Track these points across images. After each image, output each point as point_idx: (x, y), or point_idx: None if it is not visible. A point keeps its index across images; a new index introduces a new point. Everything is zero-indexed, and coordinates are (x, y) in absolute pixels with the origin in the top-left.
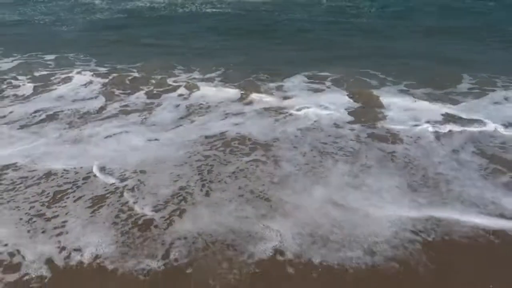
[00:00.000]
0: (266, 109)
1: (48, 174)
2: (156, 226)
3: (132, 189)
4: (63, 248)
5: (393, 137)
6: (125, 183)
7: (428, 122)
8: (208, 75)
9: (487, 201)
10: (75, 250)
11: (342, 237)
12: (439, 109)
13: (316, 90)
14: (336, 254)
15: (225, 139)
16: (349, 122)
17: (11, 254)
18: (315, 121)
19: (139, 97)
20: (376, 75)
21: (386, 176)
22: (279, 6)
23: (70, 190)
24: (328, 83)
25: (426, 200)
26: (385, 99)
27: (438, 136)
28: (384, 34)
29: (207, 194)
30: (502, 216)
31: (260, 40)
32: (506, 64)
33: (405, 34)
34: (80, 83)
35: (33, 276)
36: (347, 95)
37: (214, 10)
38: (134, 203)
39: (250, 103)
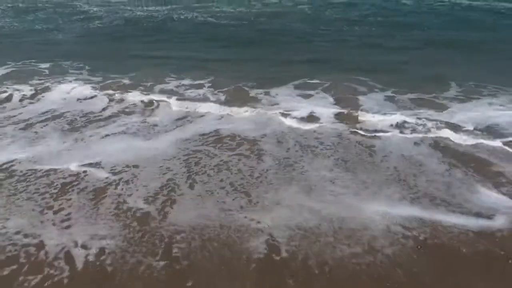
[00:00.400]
0: (252, 112)
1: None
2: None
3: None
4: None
5: (369, 139)
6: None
7: (404, 126)
8: (198, 82)
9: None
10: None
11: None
12: (418, 114)
13: (305, 96)
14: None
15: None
16: (330, 126)
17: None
18: (300, 120)
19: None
20: (365, 82)
21: (360, 173)
22: (275, 17)
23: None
24: (317, 90)
25: (392, 192)
26: (368, 105)
27: (407, 139)
28: (381, 44)
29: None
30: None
31: (255, 49)
32: (496, 75)
33: (401, 43)
34: (75, 91)
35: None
36: (333, 101)
37: (212, 20)
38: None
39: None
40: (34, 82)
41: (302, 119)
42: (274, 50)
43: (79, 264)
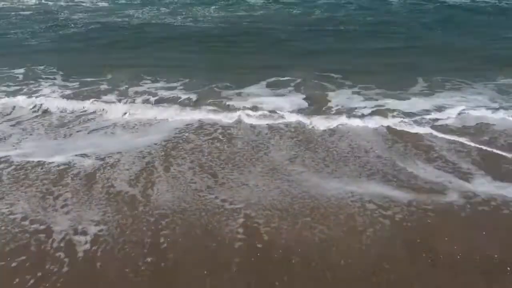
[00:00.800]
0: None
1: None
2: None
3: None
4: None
5: (331, 130)
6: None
7: (363, 116)
8: (172, 84)
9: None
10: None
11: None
12: (380, 106)
13: (277, 93)
14: None
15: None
16: (297, 116)
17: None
18: (269, 114)
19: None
20: (336, 79)
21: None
22: (258, 19)
23: None
24: (290, 87)
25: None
26: (335, 100)
27: (365, 127)
28: (359, 44)
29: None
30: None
31: (233, 49)
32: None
33: (380, 41)
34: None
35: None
36: (303, 96)
37: (195, 24)
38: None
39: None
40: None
41: (269, 114)
42: (252, 51)
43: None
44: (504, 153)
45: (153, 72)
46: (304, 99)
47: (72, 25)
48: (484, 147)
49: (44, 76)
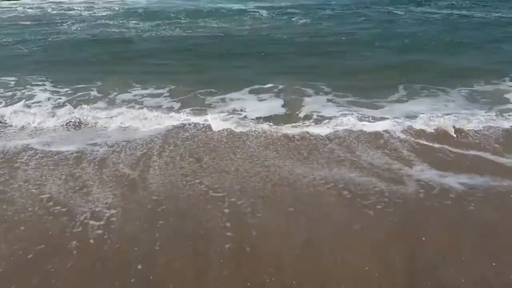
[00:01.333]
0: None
1: None
2: None
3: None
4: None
5: (301, 135)
6: None
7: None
8: (157, 91)
9: None
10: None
11: None
12: (352, 113)
13: (258, 99)
14: None
15: None
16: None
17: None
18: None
19: None
20: (317, 86)
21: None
22: (252, 29)
23: None
24: (269, 93)
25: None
26: (308, 106)
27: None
28: (349, 52)
29: None
30: None
31: (218, 59)
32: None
33: (372, 51)
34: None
35: None
36: (282, 103)
37: (186, 34)
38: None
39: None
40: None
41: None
42: (239, 60)
43: None
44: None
45: (142, 79)
46: (282, 105)
47: (64, 34)
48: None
49: (33, 83)
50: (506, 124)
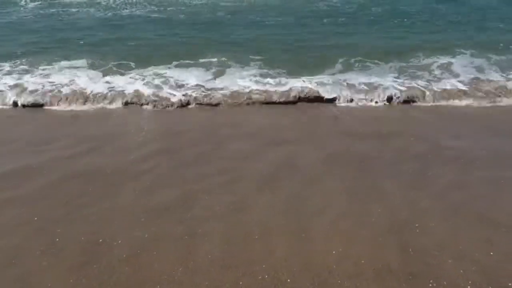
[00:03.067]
0: None
1: None
2: None
3: None
4: None
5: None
6: None
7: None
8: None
9: None
10: None
11: None
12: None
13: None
14: None
15: None
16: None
17: None
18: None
19: None
20: (253, 59)
21: None
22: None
23: None
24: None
25: None
26: (242, 81)
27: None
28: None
29: None
30: None
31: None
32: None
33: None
34: None
35: None
36: (212, 73)
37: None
38: None
39: None
40: None
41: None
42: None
43: None
44: None
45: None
46: (212, 75)
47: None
48: None
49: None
50: None
